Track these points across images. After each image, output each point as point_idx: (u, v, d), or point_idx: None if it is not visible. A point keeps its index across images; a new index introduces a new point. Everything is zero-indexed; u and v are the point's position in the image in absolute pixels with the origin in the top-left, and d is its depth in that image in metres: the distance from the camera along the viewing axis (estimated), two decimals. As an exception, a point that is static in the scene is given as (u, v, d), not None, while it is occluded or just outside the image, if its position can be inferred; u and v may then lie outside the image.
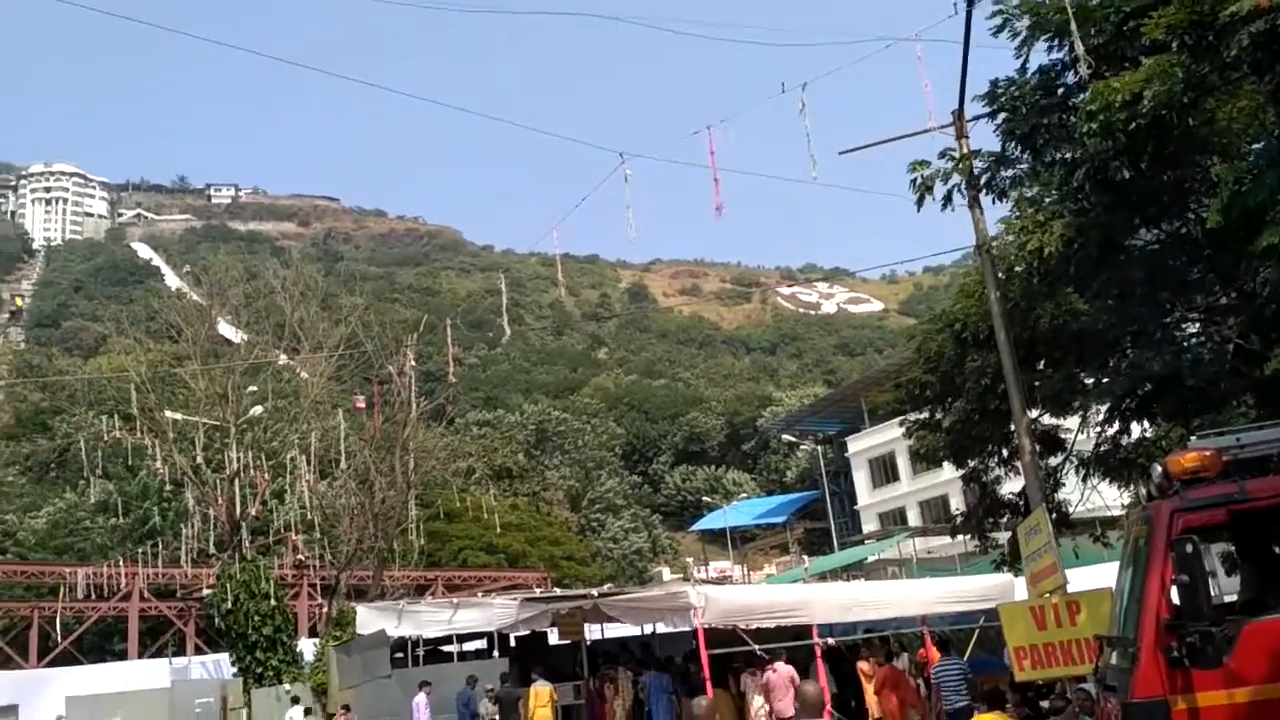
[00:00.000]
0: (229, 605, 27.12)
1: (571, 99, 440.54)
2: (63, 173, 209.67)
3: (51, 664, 37.46)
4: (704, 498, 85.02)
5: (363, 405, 35.30)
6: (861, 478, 70.24)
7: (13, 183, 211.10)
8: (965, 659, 17.05)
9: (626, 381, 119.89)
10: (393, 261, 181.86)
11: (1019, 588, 18.35)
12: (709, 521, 77.53)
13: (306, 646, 30.06)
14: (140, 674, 30.57)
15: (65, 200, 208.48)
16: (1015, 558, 18.12)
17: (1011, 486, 20.74)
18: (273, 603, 27.64)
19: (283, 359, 38.47)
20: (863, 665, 18.95)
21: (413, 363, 27.67)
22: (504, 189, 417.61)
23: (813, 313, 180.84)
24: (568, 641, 24.44)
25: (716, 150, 15.88)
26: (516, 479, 77.66)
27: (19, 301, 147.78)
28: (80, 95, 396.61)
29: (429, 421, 36.19)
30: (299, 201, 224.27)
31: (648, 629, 24.36)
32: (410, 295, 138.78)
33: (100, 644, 46.00)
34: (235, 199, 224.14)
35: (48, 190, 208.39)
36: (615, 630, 25.44)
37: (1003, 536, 21.44)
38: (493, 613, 20.70)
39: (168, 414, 31.31)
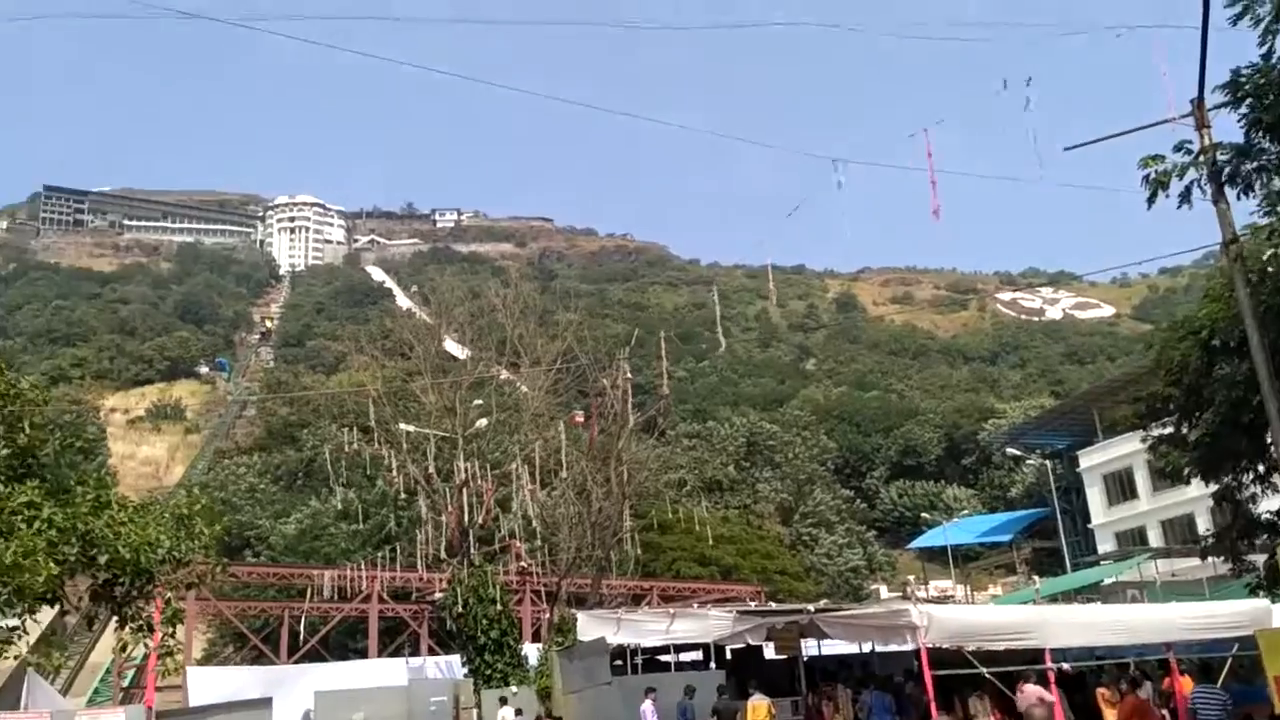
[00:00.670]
0: (460, 609, 28.65)
1: (777, 108, 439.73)
2: (304, 203, 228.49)
3: (299, 660, 40.49)
4: (922, 514, 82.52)
5: (581, 420, 36.55)
6: (1095, 494, 66.21)
7: (260, 214, 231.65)
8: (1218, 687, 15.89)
9: (837, 393, 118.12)
10: (603, 278, 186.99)
11: (1278, 614, 16.93)
12: (928, 539, 75.16)
13: (530, 651, 31.33)
14: (379, 672, 32.65)
15: (307, 229, 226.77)
16: (1274, 582, 16.73)
17: (1269, 505, 19.16)
18: (499, 607, 28.99)
19: (504, 374, 40.39)
20: (1103, 692, 17.97)
21: (628, 374, 28.42)
22: (710, 203, 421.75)
23: (1036, 319, 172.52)
24: (783, 656, 24.35)
25: (933, 152, 15.44)
26: (727, 491, 77.88)
27: (269, 324, 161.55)
28: (319, 130, 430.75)
29: (640, 434, 37.05)
30: (516, 223, 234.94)
31: (864, 647, 23.95)
32: (620, 310, 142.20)
33: (343, 642, 49.47)
34: (458, 223, 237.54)
35: (292, 220, 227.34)
36: (830, 647, 25.14)
37: (1259, 558, 19.82)
38: (709, 624, 20.94)
39: (402, 426, 33.47)
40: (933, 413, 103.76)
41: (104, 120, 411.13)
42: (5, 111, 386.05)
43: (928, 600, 44.32)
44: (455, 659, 31.58)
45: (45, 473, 15.31)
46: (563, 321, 44.93)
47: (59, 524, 13.93)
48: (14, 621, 14.56)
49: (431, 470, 32.72)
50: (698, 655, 25.41)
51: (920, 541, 76.95)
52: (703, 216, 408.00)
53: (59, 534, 13.82)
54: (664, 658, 25.52)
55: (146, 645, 18.35)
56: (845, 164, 14.94)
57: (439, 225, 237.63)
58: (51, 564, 13.25)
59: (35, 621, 16.88)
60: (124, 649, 17.33)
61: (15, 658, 17.57)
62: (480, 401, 35.41)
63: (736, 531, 64.24)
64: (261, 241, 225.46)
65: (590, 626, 22.70)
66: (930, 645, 16.39)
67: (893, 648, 20.28)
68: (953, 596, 62.72)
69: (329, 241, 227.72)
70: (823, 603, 29.02)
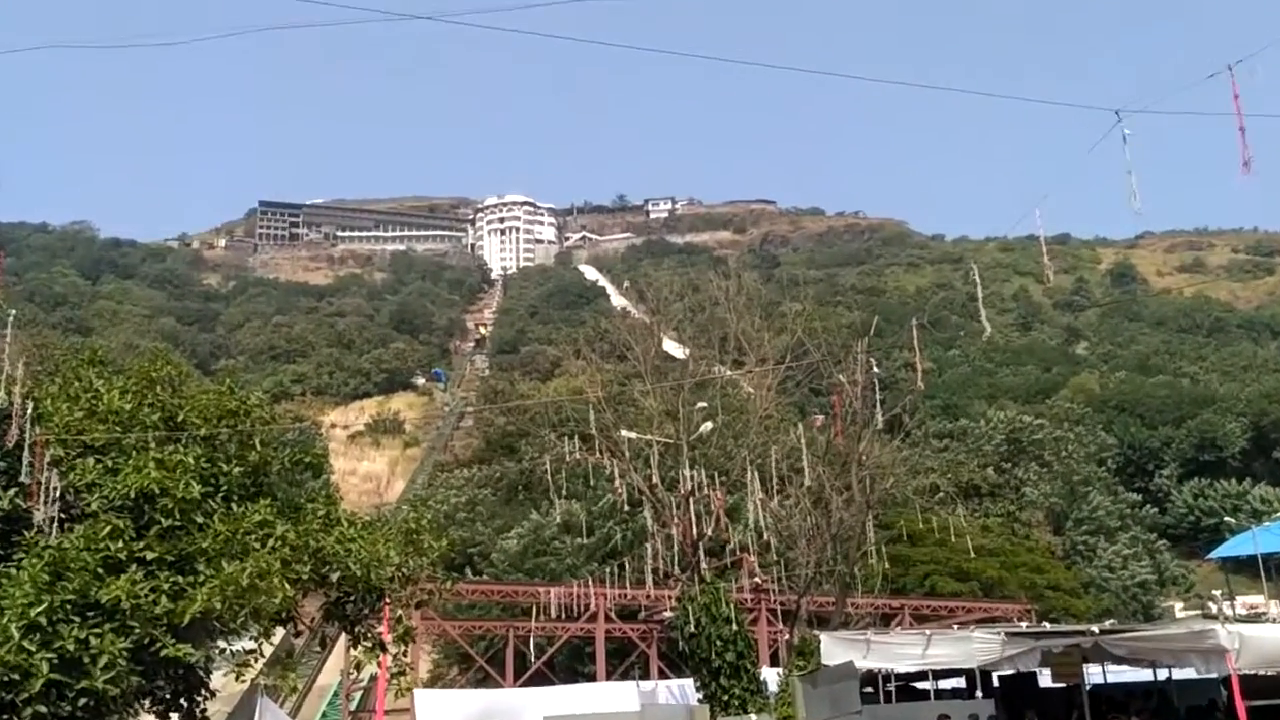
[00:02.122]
0: (691, 629, 28.98)
1: (1032, 59, 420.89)
2: (514, 203, 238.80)
3: (526, 683, 42.06)
4: (1225, 518, 77.00)
5: (820, 422, 36.29)
6: None
7: (471, 217, 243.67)
8: None
9: (1115, 380, 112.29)
10: (833, 262, 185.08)
11: None
12: (1232, 547, 69.68)
13: (769, 676, 31.27)
14: (610, 695, 33.40)
15: (517, 229, 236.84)
16: None
17: None
18: (734, 628, 29.10)
19: (727, 373, 40.58)
20: None
21: (876, 369, 27.90)
22: (954, 171, 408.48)
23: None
24: (1062, 685, 23.31)
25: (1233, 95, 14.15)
26: (986, 497, 75.37)
27: (482, 330, 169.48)
28: (525, 127, 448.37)
29: (883, 434, 36.31)
30: (734, 208, 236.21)
31: (1157, 674, 22.56)
32: (853, 297, 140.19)
33: (569, 664, 51.13)
34: (672, 212, 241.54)
35: (501, 221, 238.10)
36: (1117, 674, 23.88)
37: None
38: (972, 648, 20.26)
39: (623, 433, 34.23)
40: (1235, 399, 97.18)
41: (314, 133, 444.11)
42: (221, 132, 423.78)
43: (1236, 618, 41.18)
44: (687, 683, 31.92)
45: (275, 491, 16.59)
46: (789, 312, 44.63)
47: (292, 542, 14.87)
48: (250, 644, 15.81)
49: (655, 479, 33.28)
50: (959, 682, 24.69)
51: (1222, 550, 71.55)
52: (946, 187, 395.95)
53: (292, 552, 14.77)
54: (920, 685, 24.95)
55: (376, 665, 19.65)
56: (1129, 114, 13.94)
57: (652, 216, 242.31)
58: (286, 584, 14.19)
59: (270, 643, 18.38)
60: (357, 668, 18.53)
61: (249, 681, 19.20)
62: (704, 404, 35.66)
63: (999, 542, 62.01)
64: (472, 245, 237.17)
65: (835, 649, 22.43)
66: (1242, 671, 15.36)
67: (1192, 674, 19.03)
68: (1265, 614, 58.08)
69: (540, 241, 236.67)
70: (1108, 623, 27.50)
